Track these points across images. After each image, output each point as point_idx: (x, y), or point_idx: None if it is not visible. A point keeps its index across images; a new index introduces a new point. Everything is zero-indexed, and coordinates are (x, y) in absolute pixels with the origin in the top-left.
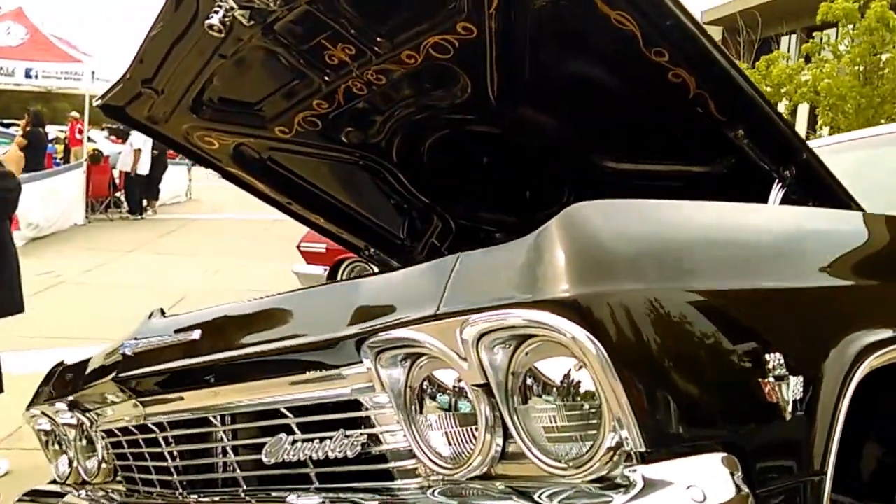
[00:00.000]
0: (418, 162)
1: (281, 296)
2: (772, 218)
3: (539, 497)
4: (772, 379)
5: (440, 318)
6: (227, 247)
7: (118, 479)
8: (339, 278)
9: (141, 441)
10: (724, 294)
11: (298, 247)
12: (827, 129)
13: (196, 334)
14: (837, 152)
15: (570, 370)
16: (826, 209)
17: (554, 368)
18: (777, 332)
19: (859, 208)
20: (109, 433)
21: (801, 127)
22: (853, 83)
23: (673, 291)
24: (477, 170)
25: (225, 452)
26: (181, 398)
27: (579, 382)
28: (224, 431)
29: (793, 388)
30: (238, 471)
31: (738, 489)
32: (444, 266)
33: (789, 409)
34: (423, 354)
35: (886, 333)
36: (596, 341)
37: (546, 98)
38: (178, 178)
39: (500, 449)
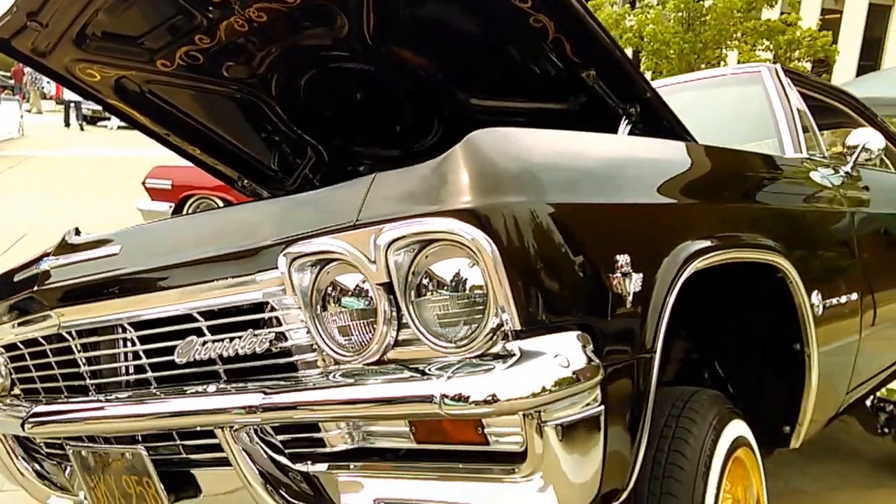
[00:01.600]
0: (296, 97)
1: (208, 212)
2: (628, 146)
3: (429, 370)
4: (619, 275)
5: (358, 227)
6: (67, 183)
7: (13, 392)
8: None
9: (50, 351)
10: (591, 207)
11: (144, 183)
12: (649, 73)
13: (116, 248)
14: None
15: (462, 268)
16: (667, 140)
17: (448, 267)
18: (627, 238)
19: (693, 140)
20: (10, 347)
21: None
22: (676, 29)
23: (551, 204)
24: (352, 105)
25: (138, 356)
26: (101, 307)
27: (470, 278)
28: (139, 337)
29: (634, 283)
30: (150, 372)
31: (591, 359)
32: (361, 183)
33: (630, 299)
34: (332, 260)
35: (707, 243)
36: (491, 242)
37: (418, 38)
38: (10, 114)
39: (394, 337)
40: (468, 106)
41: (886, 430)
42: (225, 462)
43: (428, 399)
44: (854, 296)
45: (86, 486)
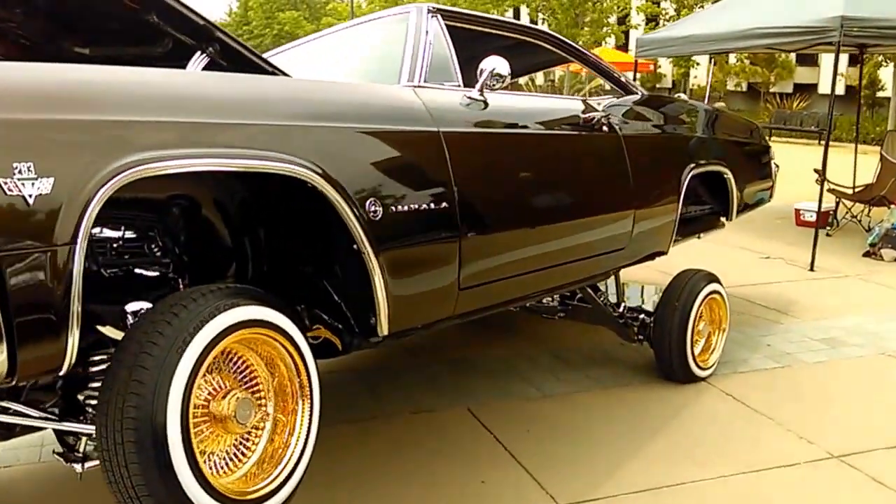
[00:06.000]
0: None
1: None
2: (72, 72)
3: None
4: (17, 180)
5: None
6: None
7: None
8: None
9: None
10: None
11: None
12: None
13: None
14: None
15: None
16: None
17: None
18: (30, 151)
19: (280, 73)
20: None
21: None
22: None
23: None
24: None
25: None
26: None
27: None
28: None
29: (38, 187)
30: None
31: None
32: None
33: (33, 200)
34: None
35: (149, 154)
36: None
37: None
38: None
39: None
40: (74, 55)
41: (640, 337)
42: None
43: None
44: (443, 204)
45: None
